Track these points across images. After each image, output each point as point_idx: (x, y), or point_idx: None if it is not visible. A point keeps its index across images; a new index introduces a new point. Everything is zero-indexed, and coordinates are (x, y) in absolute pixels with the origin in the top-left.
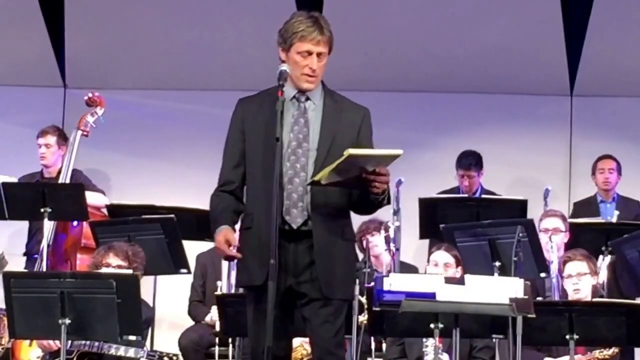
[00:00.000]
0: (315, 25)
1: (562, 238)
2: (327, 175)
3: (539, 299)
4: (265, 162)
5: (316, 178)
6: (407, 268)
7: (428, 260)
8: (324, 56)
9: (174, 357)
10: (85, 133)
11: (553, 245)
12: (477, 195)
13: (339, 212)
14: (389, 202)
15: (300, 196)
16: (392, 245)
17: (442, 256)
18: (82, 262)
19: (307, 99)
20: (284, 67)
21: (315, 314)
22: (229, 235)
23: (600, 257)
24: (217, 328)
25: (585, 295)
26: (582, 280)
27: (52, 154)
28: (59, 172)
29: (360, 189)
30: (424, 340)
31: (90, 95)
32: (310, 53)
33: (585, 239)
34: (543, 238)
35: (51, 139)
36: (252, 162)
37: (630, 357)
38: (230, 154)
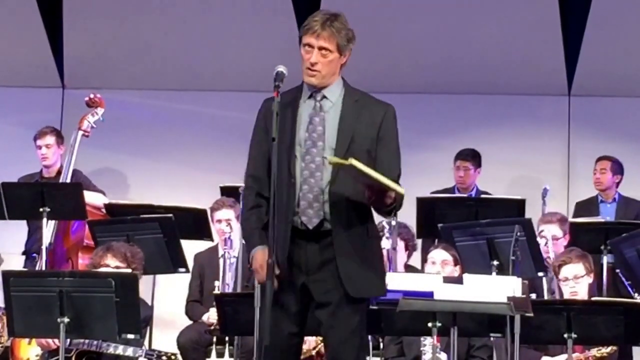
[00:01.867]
0: (321, 20)
1: (562, 243)
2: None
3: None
4: (279, 162)
5: (347, 162)
6: (411, 270)
7: (424, 259)
8: (329, 53)
9: (172, 357)
10: (86, 134)
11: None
12: (472, 195)
13: (358, 211)
14: (400, 207)
15: (315, 196)
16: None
17: (440, 254)
18: (85, 261)
19: (324, 97)
20: (281, 68)
21: (330, 315)
22: (262, 258)
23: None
24: (215, 327)
25: (582, 296)
26: (579, 283)
27: (53, 153)
28: (59, 172)
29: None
30: (422, 339)
31: (91, 96)
32: (311, 46)
33: (584, 239)
34: (541, 240)
35: (50, 139)
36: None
37: (629, 356)
38: (256, 153)
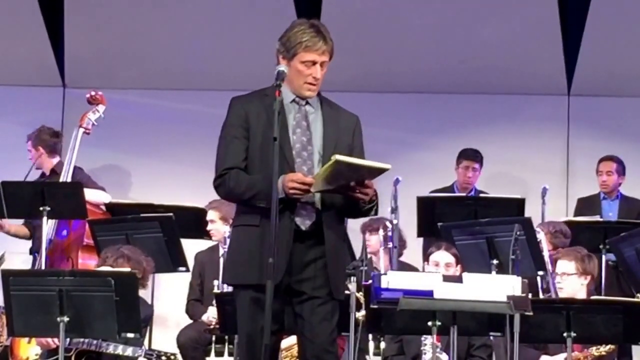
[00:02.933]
0: (319, 35)
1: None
2: (318, 183)
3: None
4: (270, 162)
5: (333, 161)
6: (407, 268)
7: (424, 259)
8: (326, 64)
9: (172, 357)
10: (87, 131)
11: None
12: (471, 195)
13: (341, 214)
14: (376, 213)
15: (308, 197)
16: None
17: (443, 256)
18: (84, 260)
19: (307, 103)
20: (282, 67)
21: (313, 312)
22: (291, 175)
23: None
24: (215, 326)
25: (569, 294)
26: (565, 280)
27: (34, 158)
28: (53, 171)
29: (348, 195)
30: (423, 338)
31: (92, 93)
32: (314, 63)
33: (583, 237)
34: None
35: (29, 145)
36: (255, 161)
37: (628, 354)
38: (235, 151)
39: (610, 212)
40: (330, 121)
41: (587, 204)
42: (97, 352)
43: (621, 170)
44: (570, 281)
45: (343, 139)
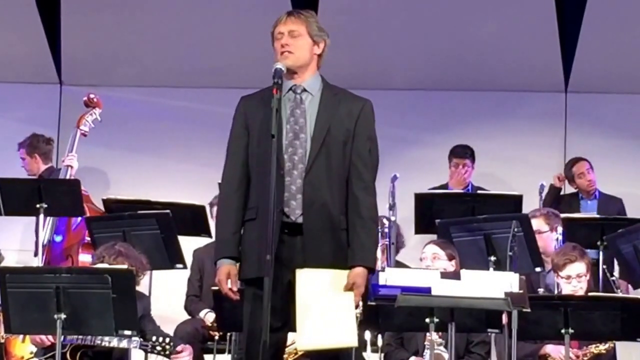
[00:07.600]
0: (287, 13)
1: (548, 236)
2: None
3: (540, 290)
4: (265, 157)
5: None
6: (400, 267)
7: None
8: (298, 35)
9: (167, 346)
10: (84, 133)
11: (559, 237)
12: (469, 191)
13: (334, 204)
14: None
15: (298, 188)
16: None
17: (430, 248)
18: (85, 259)
19: (304, 90)
20: (279, 65)
21: None
22: (232, 271)
23: None
24: (210, 323)
25: (582, 293)
26: (581, 282)
27: (27, 164)
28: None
29: None
30: (428, 335)
31: (91, 96)
32: (282, 33)
33: (580, 234)
34: None
35: (23, 152)
36: (254, 157)
37: (612, 355)
38: (235, 151)
39: (590, 212)
40: (327, 106)
41: (566, 202)
42: (92, 346)
43: (591, 167)
44: (585, 281)
45: (340, 123)
